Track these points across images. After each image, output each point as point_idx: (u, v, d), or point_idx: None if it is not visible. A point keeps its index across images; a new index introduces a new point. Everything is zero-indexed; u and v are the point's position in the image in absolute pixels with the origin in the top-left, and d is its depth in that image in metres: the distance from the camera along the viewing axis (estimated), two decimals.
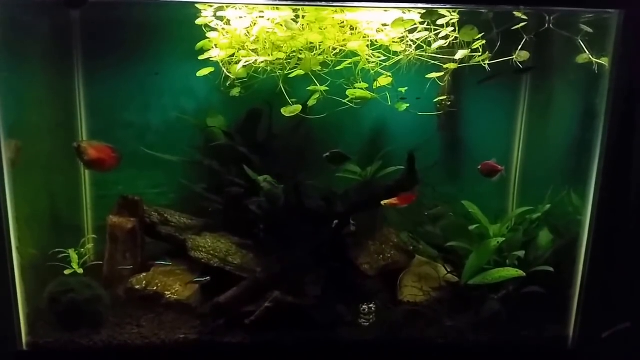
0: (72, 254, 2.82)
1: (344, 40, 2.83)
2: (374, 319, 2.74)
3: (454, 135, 3.30)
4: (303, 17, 2.73)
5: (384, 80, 2.87)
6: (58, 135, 3.00)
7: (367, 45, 2.84)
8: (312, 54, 2.83)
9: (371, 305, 2.75)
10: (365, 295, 2.82)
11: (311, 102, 2.90)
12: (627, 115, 2.44)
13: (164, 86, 3.11)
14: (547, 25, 2.68)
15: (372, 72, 2.89)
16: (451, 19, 2.68)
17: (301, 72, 2.82)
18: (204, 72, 2.91)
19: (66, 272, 2.76)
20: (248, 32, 2.82)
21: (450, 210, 3.06)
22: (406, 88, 2.91)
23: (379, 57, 2.87)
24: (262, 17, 2.73)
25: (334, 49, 2.84)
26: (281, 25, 2.72)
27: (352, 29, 2.82)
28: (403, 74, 2.88)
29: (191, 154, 3.10)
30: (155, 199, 3.15)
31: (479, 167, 2.78)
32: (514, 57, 2.71)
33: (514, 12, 2.60)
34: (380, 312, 2.77)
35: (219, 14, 2.77)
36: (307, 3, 2.58)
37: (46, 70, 2.91)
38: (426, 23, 2.72)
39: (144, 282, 2.82)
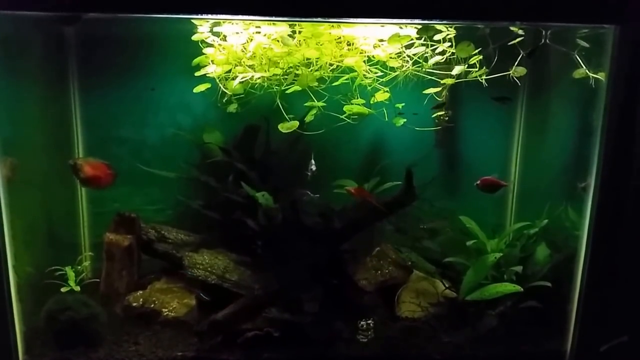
0: (69, 271, 2.82)
1: (340, 56, 2.83)
2: (372, 335, 2.74)
3: (451, 150, 3.30)
4: (299, 32, 2.73)
5: (381, 96, 2.88)
6: (54, 153, 2.99)
7: (364, 61, 2.84)
8: (309, 69, 2.83)
9: (369, 321, 2.75)
10: (363, 311, 2.81)
11: (308, 118, 2.90)
12: (624, 130, 2.44)
13: (161, 102, 3.10)
14: (543, 41, 2.69)
15: (369, 87, 2.89)
16: (448, 35, 2.69)
17: (298, 88, 2.82)
18: (201, 88, 2.91)
19: (63, 289, 2.76)
20: (244, 48, 2.81)
21: (447, 225, 3.06)
22: (403, 104, 2.91)
23: (375, 73, 2.88)
24: (259, 32, 2.73)
25: (331, 64, 2.85)
26: (278, 41, 2.72)
27: (348, 44, 2.83)
28: (400, 89, 2.89)
29: (188, 171, 3.09)
30: (152, 215, 3.15)
31: (477, 182, 2.78)
32: (510, 72, 2.72)
33: (511, 28, 2.62)
34: (379, 328, 2.77)
35: (215, 29, 2.77)
36: (303, 19, 2.57)
37: (41, 87, 2.91)
38: (423, 38, 2.72)
39: (141, 300, 2.81)
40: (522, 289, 2.66)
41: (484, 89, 2.73)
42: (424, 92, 2.89)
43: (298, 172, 2.86)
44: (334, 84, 2.88)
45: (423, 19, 2.43)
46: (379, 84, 2.88)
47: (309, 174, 2.80)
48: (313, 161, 2.80)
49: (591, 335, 2.62)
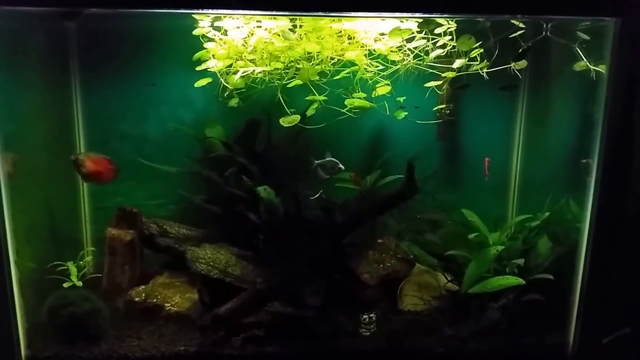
0: (71, 266, 2.82)
1: (341, 49, 2.83)
2: (375, 329, 2.74)
3: (453, 143, 3.30)
4: (300, 26, 2.74)
5: (383, 89, 2.88)
6: (55, 148, 2.99)
7: (365, 55, 2.85)
8: (310, 63, 2.83)
9: (372, 315, 2.75)
10: (365, 304, 2.82)
11: (310, 112, 2.89)
12: (625, 123, 2.44)
13: (162, 97, 3.10)
14: (544, 33, 2.69)
15: (370, 81, 2.89)
16: (448, 28, 2.69)
17: (299, 82, 2.83)
18: (202, 82, 2.91)
19: (65, 285, 2.76)
20: (245, 43, 2.82)
21: (445, 216, 3.06)
22: (404, 97, 2.92)
23: (377, 67, 2.88)
24: (260, 27, 2.73)
25: (332, 58, 2.85)
26: (279, 35, 2.72)
27: (349, 38, 2.83)
28: (401, 83, 2.89)
29: (190, 165, 3.09)
30: (154, 210, 3.14)
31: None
32: (511, 65, 2.73)
33: (512, 21, 2.62)
34: (381, 321, 2.77)
35: (216, 24, 2.77)
36: (304, 13, 2.57)
37: (43, 82, 2.91)
38: (423, 32, 2.72)
39: (144, 295, 2.81)
40: (524, 282, 2.66)
41: (486, 82, 2.73)
42: (425, 85, 2.90)
43: (300, 166, 2.87)
44: (335, 78, 2.88)
45: (424, 12, 2.42)
46: (380, 77, 2.89)
47: (334, 172, 2.79)
48: (334, 159, 2.79)
49: (593, 327, 2.63)
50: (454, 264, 2.94)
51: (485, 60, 2.74)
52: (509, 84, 2.80)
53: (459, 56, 2.76)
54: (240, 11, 2.58)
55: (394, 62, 2.87)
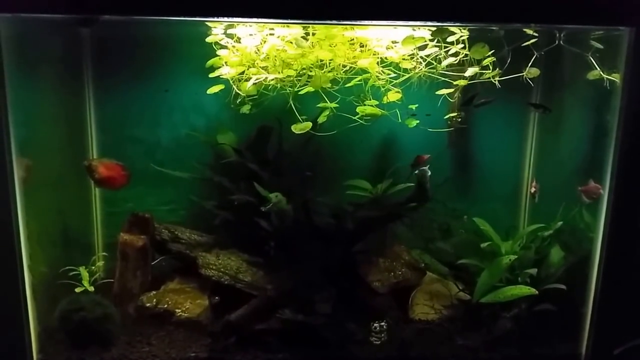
0: (83, 271, 2.83)
1: (353, 57, 2.83)
2: (386, 337, 2.73)
3: (464, 151, 3.30)
4: (313, 34, 2.74)
5: (394, 96, 2.87)
6: (68, 154, 3.01)
7: (377, 62, 2.85)
8: (322, 71, 2.83)
9: (382, 323, 2.74)
10: (376, 313, 2.81)
11: (321, 119, 2.89)
12: (639, 132, 2.43)
13: (174, 103, 3.12)
14: (557, 42, 2.68)
15: (382, 89, 2.89)
16: (461, 36, 2.69)
17: (311, 89, 2.83)
18: (214, 89, 2.92)
19: (77, 290, 2.78)
20: (258, 50, 2.83)
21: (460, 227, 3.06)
22: (416, 105, 2.91)
23: (389, 74, 2.88)
24: (273, 34, 2.74)
25: (344, 66, 2.85)
26: (291, 42, 2.73)
27: (362, 46, 2.83)
28: (413, 90, 2.89)
29: (201, 171, 3.10)
30: (165, 215, 3.15)
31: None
32: (524, 73, 2.72)
33: (525, 29, 2.62)
34: (392, 330, 2.75)
35: (229, 31, 2.78)
36: (317, 21, 2.58)
37: (57, 89, 2.93)
38: (436, 40, 2.72)
39: (155, 300, 2.82)
40: (536, 292, 2.65)
41: (498, 90, 2.73)
42: (437, 93, 2.90)
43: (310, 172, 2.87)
44: (346, 86, 2.88)
45: (436, 21, 2.42)
46: (391, 85, 2.88)
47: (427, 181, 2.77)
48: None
49: (606, 337, 2.61)
50: (465, 273, 2.93)
51: (498, 69, 2.73)
52: (542, 105, 2.80)
53: (471, 64, 2.75)
54: (254, 19, 2.59)
55: (405, 70, 2.87)
